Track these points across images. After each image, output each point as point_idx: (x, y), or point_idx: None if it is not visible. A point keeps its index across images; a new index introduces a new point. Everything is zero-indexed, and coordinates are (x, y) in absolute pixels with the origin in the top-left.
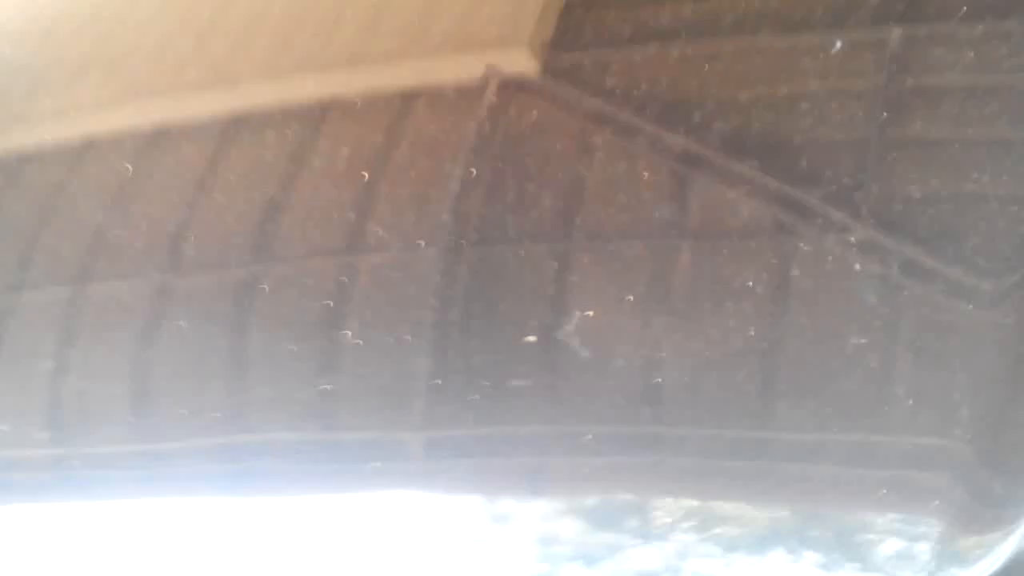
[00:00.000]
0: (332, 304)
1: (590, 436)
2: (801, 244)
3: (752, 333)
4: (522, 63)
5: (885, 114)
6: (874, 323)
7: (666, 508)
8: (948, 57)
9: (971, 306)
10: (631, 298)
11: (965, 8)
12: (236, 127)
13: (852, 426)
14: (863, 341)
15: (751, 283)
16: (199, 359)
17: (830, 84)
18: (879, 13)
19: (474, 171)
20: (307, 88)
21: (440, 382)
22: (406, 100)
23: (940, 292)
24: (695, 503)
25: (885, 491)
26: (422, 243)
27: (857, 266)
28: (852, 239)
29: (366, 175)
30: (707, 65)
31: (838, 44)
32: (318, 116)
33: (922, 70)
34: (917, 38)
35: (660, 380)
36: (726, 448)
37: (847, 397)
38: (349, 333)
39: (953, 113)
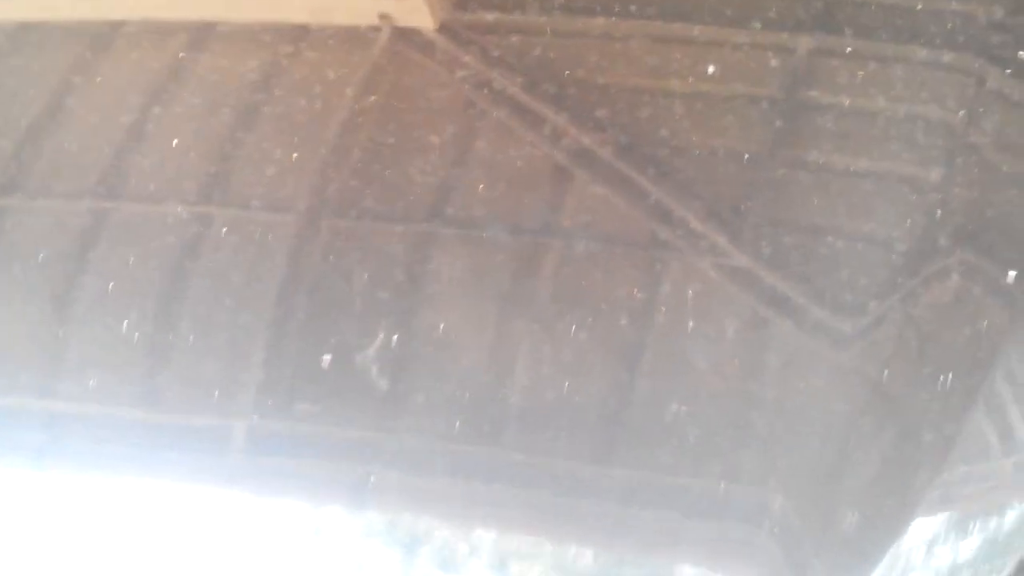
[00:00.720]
0: (175, 259)
1: (419, 449)
2: (673, 261)
3: (607, 350)
4: (418, 18)
5: (779, 125)
6: (733, 353)
7: (470, 539)
8: (844, 78)
9: (828, 346)
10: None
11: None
12: (110, 34)
13: (687, 464)
14: (716, 370)
15: (614, 296)
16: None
17: (730, 88)
18: (790, 21)
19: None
20: (193, 6)
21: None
22: (296, 35)
23: (803, 328)
24: (500, 536)
25: (702, 540)
26: (283, 196)
27: (727, 292)
28: (726, 263)
29: (237, 106)
30: (609, 48)
31: (744, 41)
32: (200, 38)
33: (820, 86)
34: (823, 51)
35: (503, 395)
36: (551, 481)
37: (689, 432)
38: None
39: (839, 138)
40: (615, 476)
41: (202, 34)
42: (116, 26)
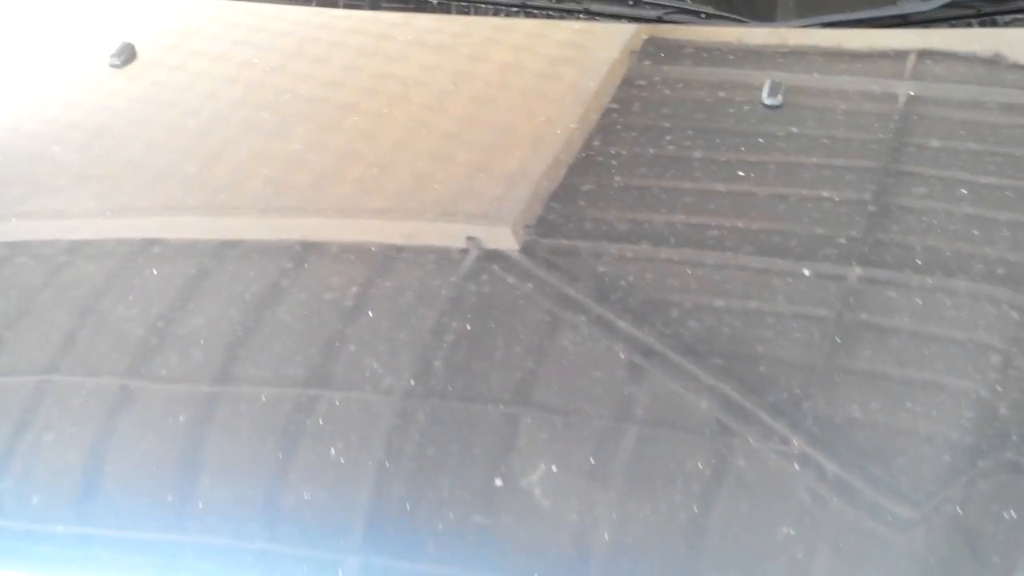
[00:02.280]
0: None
1: None
2: (740, 448)
3: (682, 515)
4: (502, 240)
5: (837, 340)
6: (801, 526)
7: None
8: (899, 302)
9: (887, 528)
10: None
11: (919, 261)
12: (224, 251)
13: None
14: (790, 534)
15: (686, 474)
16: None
17: (792, 307)
18: (844, 252)
19: (446, 328)
20: (297, 229)
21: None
22: (390, 255)
23: (862, 511)
24: None
25: None
26: (383, 386)
27: (791, 473)
28: (789, 449)
29: (337, 317)
30: (670, 270)
31: (806, 272)
32: (302, 256)
33: (875, 308)
34: (874, 280)
35: (599, 541)
36: None
37: None
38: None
39: (896, 351)
40: None
41: (303, 254)
42: (228, 245)
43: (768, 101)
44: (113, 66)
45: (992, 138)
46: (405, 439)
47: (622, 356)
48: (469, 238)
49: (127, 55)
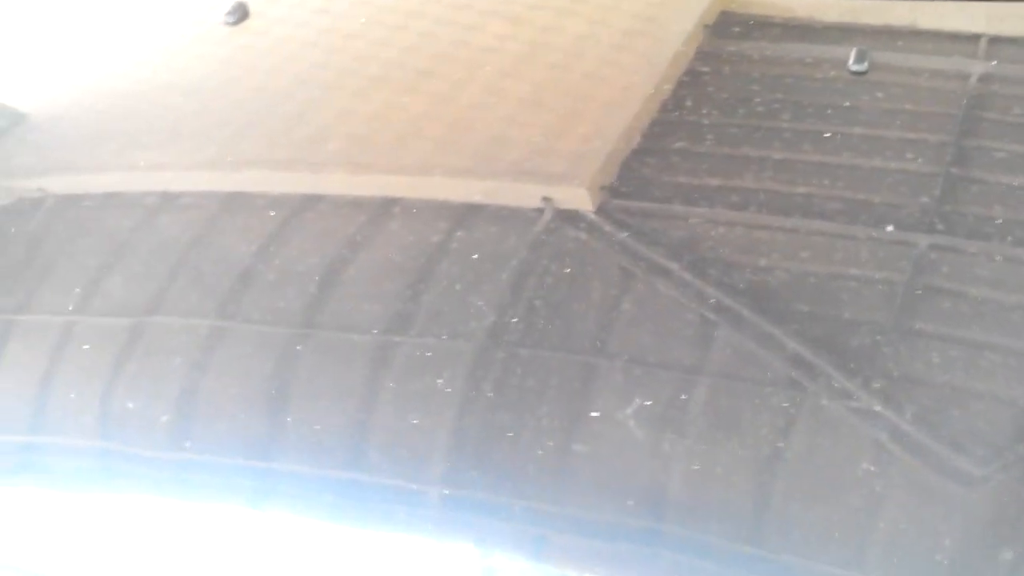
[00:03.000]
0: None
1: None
2: (808, 401)
3: (745, 478)
4: (578, 200)
5: (905, 304)
6: (864, 480)
7: None
8: (974, 269)
9: (954, 484)
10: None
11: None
12: (309, 205)
13: (827, 557)
14: (867, 472)
15: (758, 426)
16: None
17: (864, 270)
18: (918, 219)
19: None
20: (379, 186)
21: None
22: (467, 213)
23: (927, 466)
24: None
25: None
26: (475, 328)
27: (856, 429)
28: (855, 405)
29: (416, 271)
30: (742, 233)
31: (888, 229)
32: (384, 212)
33: (947, 274)
34: (947, 247)
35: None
36: (716, 555)
37: (829, 529)
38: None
39: (969, 317)
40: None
41: (385, 209)
42: (313, 199)
43: (854, 68)
44: (228, 23)
45: None
46: (505, 375)
47: (699, 313)
48: (545, 198)
49: (240, 14)
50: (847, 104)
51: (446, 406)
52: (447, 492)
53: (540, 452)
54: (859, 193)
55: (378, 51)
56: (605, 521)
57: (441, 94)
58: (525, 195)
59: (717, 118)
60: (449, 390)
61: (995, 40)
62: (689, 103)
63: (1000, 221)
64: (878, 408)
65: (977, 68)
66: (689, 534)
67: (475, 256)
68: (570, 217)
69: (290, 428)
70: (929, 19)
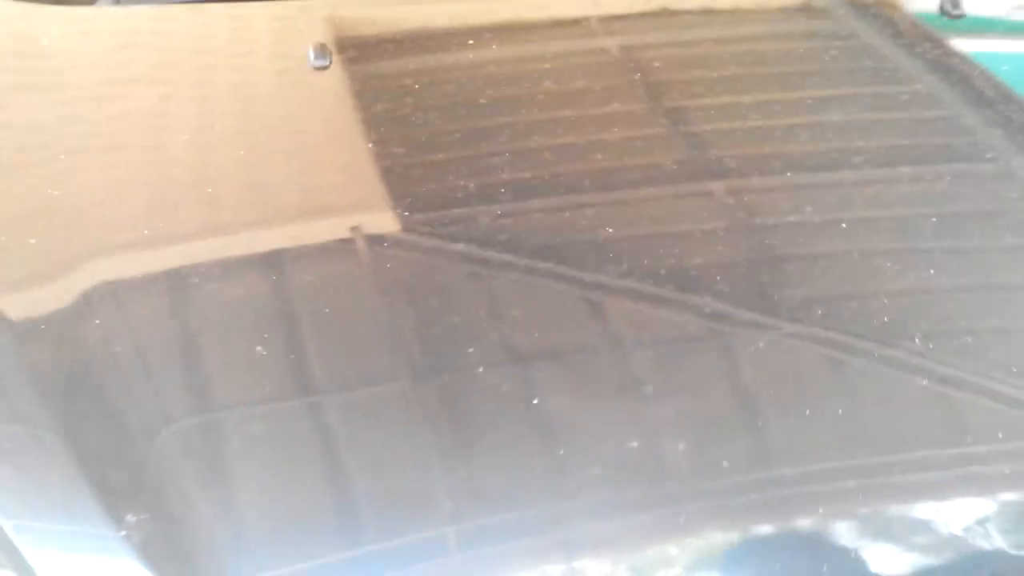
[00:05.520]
0: None
1: None
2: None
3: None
4: (386, 223)
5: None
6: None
7: None
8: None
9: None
10: None
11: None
12: None
13: None
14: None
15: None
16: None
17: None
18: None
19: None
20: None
21: None
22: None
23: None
24: None
25: None
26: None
27: None
28: None
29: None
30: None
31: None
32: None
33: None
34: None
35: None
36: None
37: None
38: None
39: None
40: None
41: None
42: None
43: None
44: None
45: None
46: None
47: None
48: (352, 228)
49: None
50: (552, 89)
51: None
52: None
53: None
54: (640, 159)
55: None
56: None
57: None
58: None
59: (438, 127)
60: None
61: (603, 19)
62: (393, 123)
63: (740, 157)
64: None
65: (612, 43)
66: None
67: (326, 304)
68: (386, 240)
69: None
70: (535, 11)
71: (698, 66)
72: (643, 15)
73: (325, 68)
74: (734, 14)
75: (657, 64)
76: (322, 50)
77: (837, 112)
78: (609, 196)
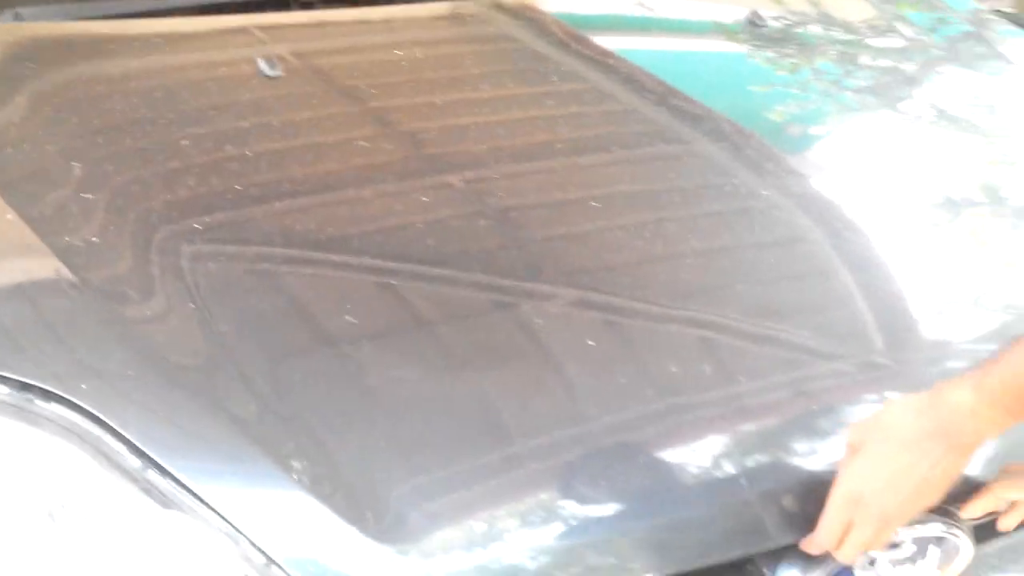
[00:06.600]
0: None
1: None
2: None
3: None
4: None
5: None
6: None
7: None
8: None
9: None
10: None
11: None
12: None
13: None
14: None
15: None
16: None
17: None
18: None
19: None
20: None
21: None
22: None
23: None
24: None
25: None
26: None
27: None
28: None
29: None
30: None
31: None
32: None
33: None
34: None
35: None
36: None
37: None
38: None
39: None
40: None
41: None
42: None
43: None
44: None
45: None
46: None
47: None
48: None
49: None
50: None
51: None
52: None
53: None
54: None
55: None
56: None
57: None
58: None
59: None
60: None
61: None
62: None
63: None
64: None
65: (283, 49)
66: None
67: None
68: None
69: None
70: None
71: (380, 73)
72: (305, 26)
73: None
74: (390, 23)
75: (343, 72)
76: None
77: (529, 108)
78: (342, 195)
